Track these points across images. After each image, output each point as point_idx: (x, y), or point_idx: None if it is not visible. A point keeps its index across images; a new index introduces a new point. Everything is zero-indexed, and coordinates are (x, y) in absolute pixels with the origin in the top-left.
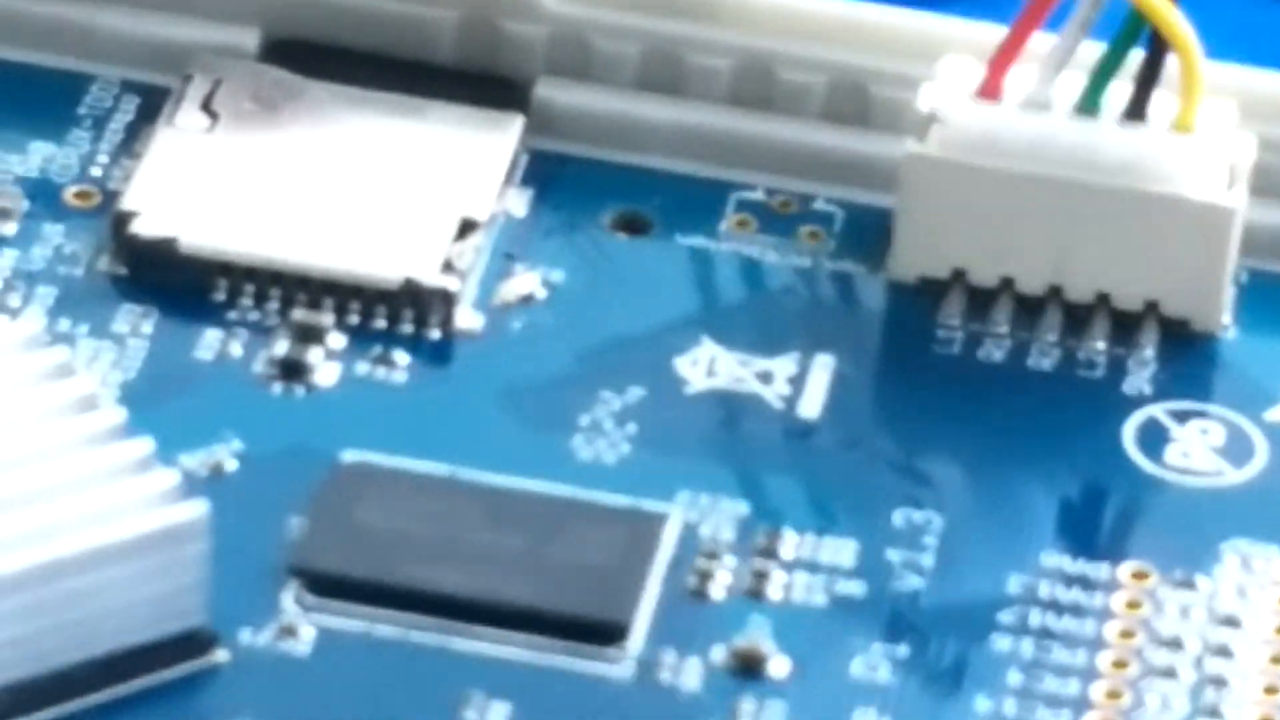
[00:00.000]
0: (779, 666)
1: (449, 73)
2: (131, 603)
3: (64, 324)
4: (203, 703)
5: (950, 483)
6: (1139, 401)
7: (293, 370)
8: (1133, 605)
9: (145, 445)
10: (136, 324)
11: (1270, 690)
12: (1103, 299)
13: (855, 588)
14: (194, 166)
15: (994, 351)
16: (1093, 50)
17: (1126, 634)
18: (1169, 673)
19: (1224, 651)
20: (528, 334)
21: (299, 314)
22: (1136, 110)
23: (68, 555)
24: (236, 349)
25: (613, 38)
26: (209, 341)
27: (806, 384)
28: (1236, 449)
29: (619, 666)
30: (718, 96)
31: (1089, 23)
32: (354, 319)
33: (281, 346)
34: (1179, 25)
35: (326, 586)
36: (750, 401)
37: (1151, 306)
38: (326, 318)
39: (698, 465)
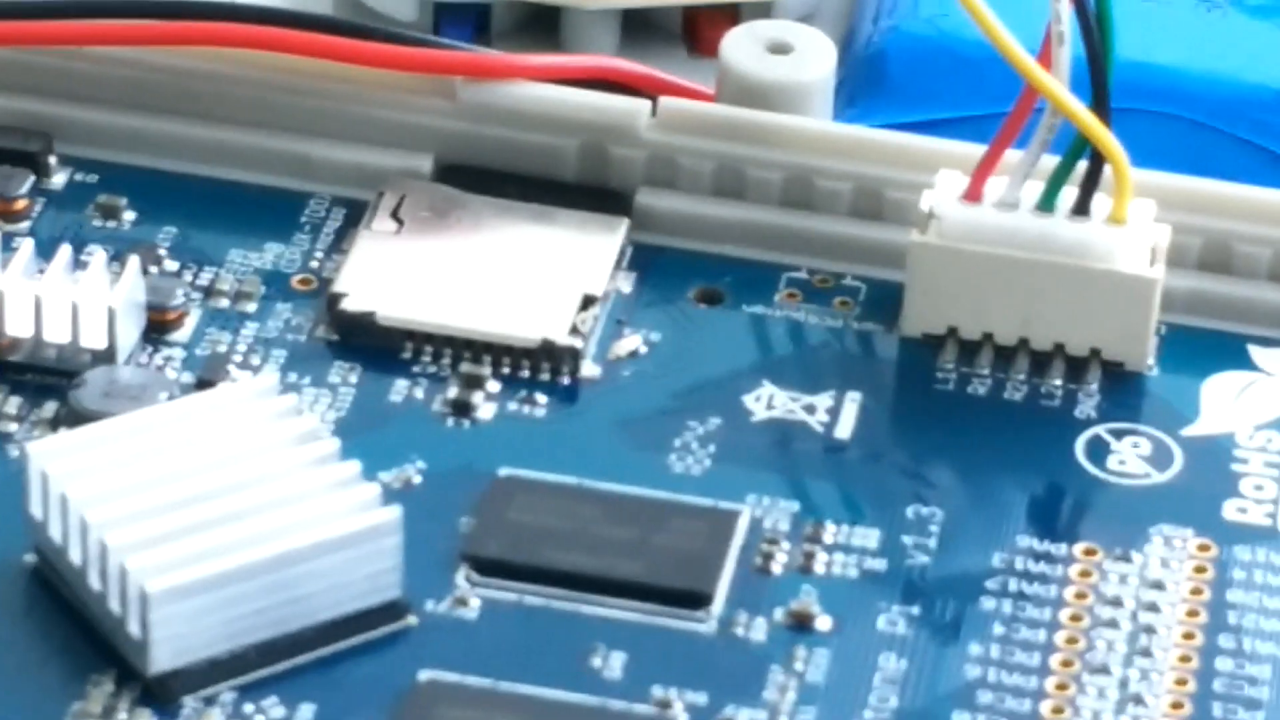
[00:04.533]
0: (824, 623)
1: (572, 187)
2: (346, 582)
3: (292, 377)
4: (399, 656)
5: (948, 485)
6: (1087, 423)
7: (461, 409)
8: (1084, 574)
9: (354, 466)
10: (345, 376)
11: (1188, 635)
12: (1059, 347)
13: (879, 564)
14: (386, 259)
15: (979, 388)
16: (1049, 163)
17: (1080, 595)
18: (1112, 624)
19: (1153, 608)
20: (634, 380)
21: (465, 367)
22: (1082, 207)
23: (299, 547)
24: (419, 393)
25: (693, 157)
26: (399, 388)
27: (840, 414)
28: (1160, 458)
29: (706, 625)
30: (772, 200)
31: (1046, 143)
32: (506, 370)
33: (453, 391)
34: (1113, 144)
35: (489, 568)
36: (799, 427)
37: (1095, 352)
38: (486, 369)
39: (761, 475)
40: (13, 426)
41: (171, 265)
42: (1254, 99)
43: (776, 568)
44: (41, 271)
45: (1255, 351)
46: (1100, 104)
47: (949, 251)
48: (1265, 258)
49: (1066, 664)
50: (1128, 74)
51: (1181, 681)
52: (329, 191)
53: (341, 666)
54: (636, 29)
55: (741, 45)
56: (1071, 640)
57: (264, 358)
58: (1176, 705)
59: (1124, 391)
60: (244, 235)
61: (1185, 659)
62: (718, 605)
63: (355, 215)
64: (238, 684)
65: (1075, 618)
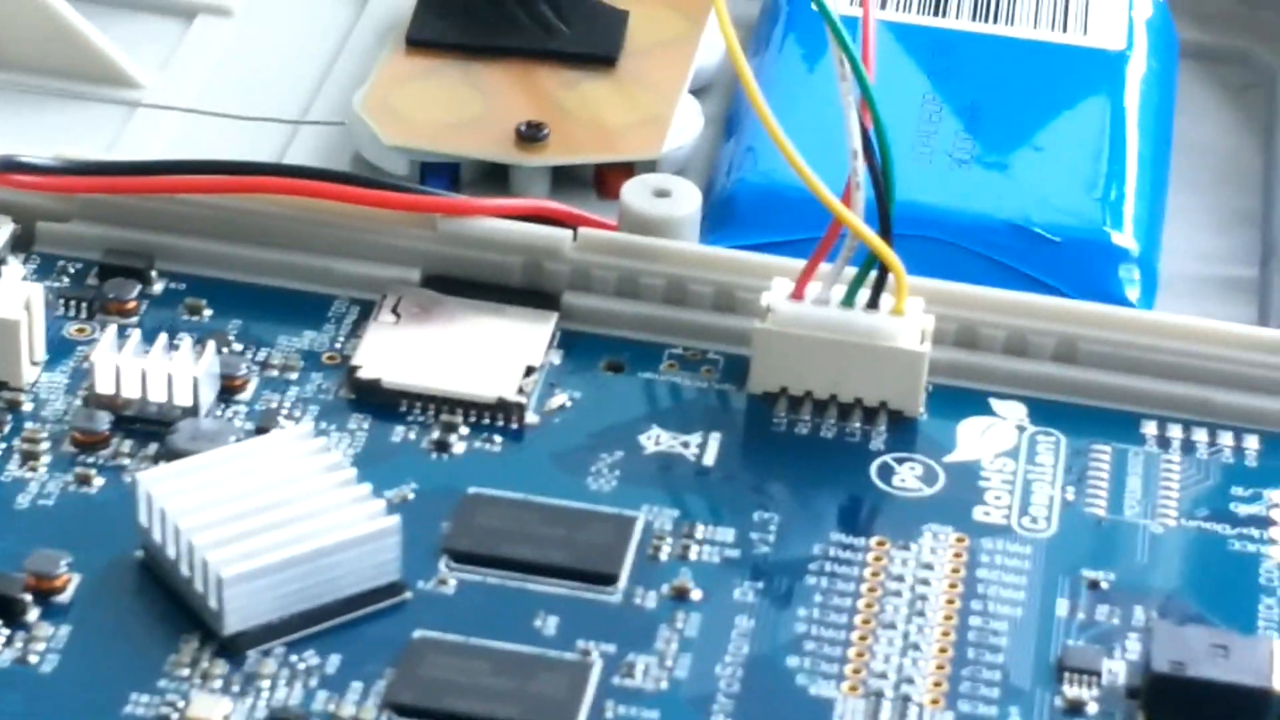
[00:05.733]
0: (697, 595)
1: (518, 290)
2: (360, 569)
3: (322, 425)
4: (399, 621)
5: (782, 497)
6: (877, 453)
7: (441, 446)
8: (877, 559)
9: (366, 487)
10: (360, 424)
11: (950, 602)
12: (858, 400)
13: (735, 553)
14: (389, 342)
15: (802, 429)
16: (850, 272)
17: (875, 574)
18: (897, 594)
19: (925, 582)
20: (562, 425)
21: (444, 417)
22: (873, 303)
23: (328, 544)
24: (412, 435)
25: (603, 269)
26: (398, 432)
27: (707, 447)
28: (929, 477)
29: (614, 596)
30: (657, 298)
31: (847, 258)
32: (472, 418)
33: (435, 434)
34: (894, 259)
35: (462, 558)
36: (677, 457)
37: (883, 404)
38: (459, 418)
39: (651, 490)
40: (126, 460)
41: (238, 347)
42: (990, 227)
43: (663, 556)
44: (146, 352)
45: (994, 403)
46: (885, 231)
47: (781, 335)
48: (1000, 337)
49: (865, 622)
50: (903, 210)
51: (946, 634)
52: (347, 294)
53: (358, 629)
54: (562, 180)
55: (636, 191)
56: (869, 605)
57: (303, 412)
58: (943, 650)
59: (903, 431)
60: (288, 325)
61: (948, 618)
62: (622, 582)
63: (366, 311)
64: (286, 641)
65: (871, 589)
